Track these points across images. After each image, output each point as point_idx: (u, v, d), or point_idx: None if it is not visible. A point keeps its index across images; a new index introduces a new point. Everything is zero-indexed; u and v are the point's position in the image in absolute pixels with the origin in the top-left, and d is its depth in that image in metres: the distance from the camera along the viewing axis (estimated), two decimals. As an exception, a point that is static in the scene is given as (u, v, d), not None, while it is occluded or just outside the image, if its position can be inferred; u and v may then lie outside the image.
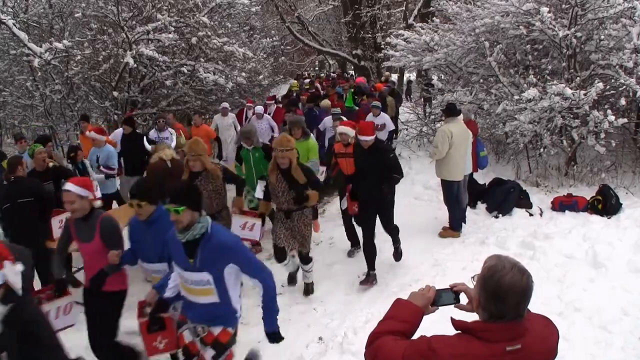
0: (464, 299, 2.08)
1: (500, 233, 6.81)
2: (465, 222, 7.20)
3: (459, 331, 1.88)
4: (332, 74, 26.25)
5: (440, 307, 2.09)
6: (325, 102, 10.33)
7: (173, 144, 8.03)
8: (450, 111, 6.99)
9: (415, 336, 1.99)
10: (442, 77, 13.39)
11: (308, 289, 5.74)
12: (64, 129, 12.77)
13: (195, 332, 3.43)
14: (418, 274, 5.83)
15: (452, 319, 1.90)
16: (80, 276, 6.01)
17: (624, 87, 7.62)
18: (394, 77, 22.24)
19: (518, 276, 1.79)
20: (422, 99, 15.07)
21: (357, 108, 10.59)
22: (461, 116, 7.08)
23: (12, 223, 5.36)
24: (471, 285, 1.97)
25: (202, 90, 13.50)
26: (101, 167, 7.09)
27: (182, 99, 13.10)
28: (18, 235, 5.23)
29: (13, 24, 10.29)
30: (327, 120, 8.91)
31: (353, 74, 24.88)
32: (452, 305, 2.07)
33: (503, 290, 1.78)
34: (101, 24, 11.79)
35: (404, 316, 2.04)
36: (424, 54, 11.38)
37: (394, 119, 11.70)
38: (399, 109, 14.78)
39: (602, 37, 8.03)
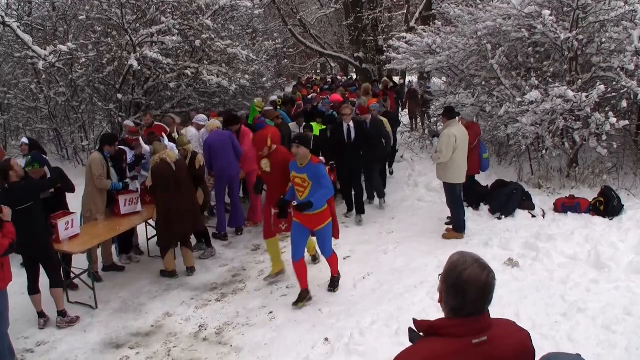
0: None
1: (504, 234, 6.86)
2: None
3: (422, 334, 1.90)
4: (337, 77, 26.26)
5: None
6: (212, 124, 8.22)
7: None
8: (451, 114, 7.07)
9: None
10: (444, 80, 13.45)
11: None
12: (69, 132, 12.82)
13: None
14: (423, 276, 5.88)
15: (414, 320, 1.92)
16: (82, 278, 6.10)
17: (625, 89, 7.67)
18: (395, 79, 22.24)
19: (478, 270, 1.83)
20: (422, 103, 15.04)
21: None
22: (457, 118, 7.18)
23: (15, 227, 5.36)
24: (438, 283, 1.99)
25: (206, 93, 13.56)
26: None
27: (185, 102, 13.14)
28: (23, 238, 5.27)
29: (17, 26, 10.34)
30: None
31: (354, 77, 24.93)
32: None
33: (463, 283, 1.81)
34: (105, 26, 11.82)
35: None
36: (426, 57, 11.43)
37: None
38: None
39: (604, 39, 8.08)
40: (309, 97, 12.78)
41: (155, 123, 8.90)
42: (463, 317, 1.82)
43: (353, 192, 8.39)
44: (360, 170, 8.40)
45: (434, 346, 1.81)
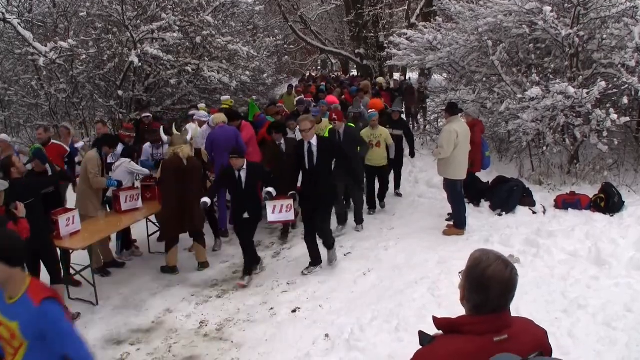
0: None
1: (505, 231, 6.86)
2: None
3: (441, 331, 1.89)
4: (339, 75, 26.12)
5: None
6: (217, 118, 7.82)
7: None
8: (454, 110, 7.06)
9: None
10: (445, 76, 13.43)
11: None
12: (69, 128, 12.82)
13: None
14: (423, 272, 5.87)
15: (434, 318, 1.91)
16: (82, 275, 6.10)
17: (626, 86, 7.67)
18: (396, 76, 22.21)
19: (501, 267, 1.82)
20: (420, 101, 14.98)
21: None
22: (460, 114, 7.17)
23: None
24: (458, 280, 1.99)
25: (207, 89, 13.58)
26: None
27: (186, 98, 13.15)
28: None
29: (18, 23, 10.34)
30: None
31: (356, 74, 24.89)
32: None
33: (486, 280, 1.80)
34: (106, 23, 11.83)
35: None
36: (426, 53, 11.42)
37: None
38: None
39: (605, 36, 8.07)
40: (298, 98, 11.77)
41: (53, 141, 7.48)
42: (485, 314, 1.82)
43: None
44: (329, 207, 6.47)
45: (456, 344, 1.80)
